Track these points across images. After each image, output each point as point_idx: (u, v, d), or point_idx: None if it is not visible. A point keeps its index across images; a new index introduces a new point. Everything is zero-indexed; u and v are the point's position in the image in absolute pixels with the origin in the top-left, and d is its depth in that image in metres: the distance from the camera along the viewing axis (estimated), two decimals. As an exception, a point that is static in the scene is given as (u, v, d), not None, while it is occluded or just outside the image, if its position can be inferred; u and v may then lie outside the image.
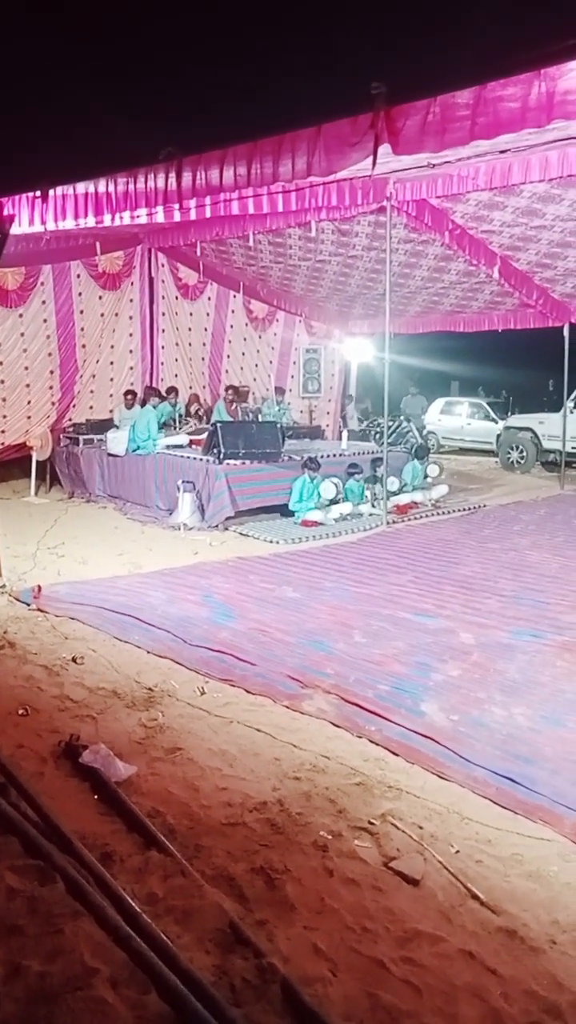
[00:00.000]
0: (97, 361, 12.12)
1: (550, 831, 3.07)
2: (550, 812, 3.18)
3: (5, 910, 2.43)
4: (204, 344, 13.59)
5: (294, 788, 3.33)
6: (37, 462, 10.98)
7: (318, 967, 2.31)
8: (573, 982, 2.31)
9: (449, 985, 2.27)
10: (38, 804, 3.02)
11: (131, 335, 12.58)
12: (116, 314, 12.26)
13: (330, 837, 2.97)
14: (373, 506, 9.92)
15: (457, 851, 2.93)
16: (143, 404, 10.93)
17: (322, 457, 9.90)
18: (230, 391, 12.06)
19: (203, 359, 13.63)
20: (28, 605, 5.81)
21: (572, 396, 13.87)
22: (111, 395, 12.25)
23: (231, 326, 13.85)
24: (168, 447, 10.17)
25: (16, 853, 2.74)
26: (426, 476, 11.11)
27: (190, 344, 13.35)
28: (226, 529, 9.01)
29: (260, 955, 2.28)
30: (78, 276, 11.59)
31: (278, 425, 10.43)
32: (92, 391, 12.15)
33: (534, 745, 3.72)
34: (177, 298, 13.01)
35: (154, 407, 10.67)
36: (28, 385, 11.27)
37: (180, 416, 11.48)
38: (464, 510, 10.59)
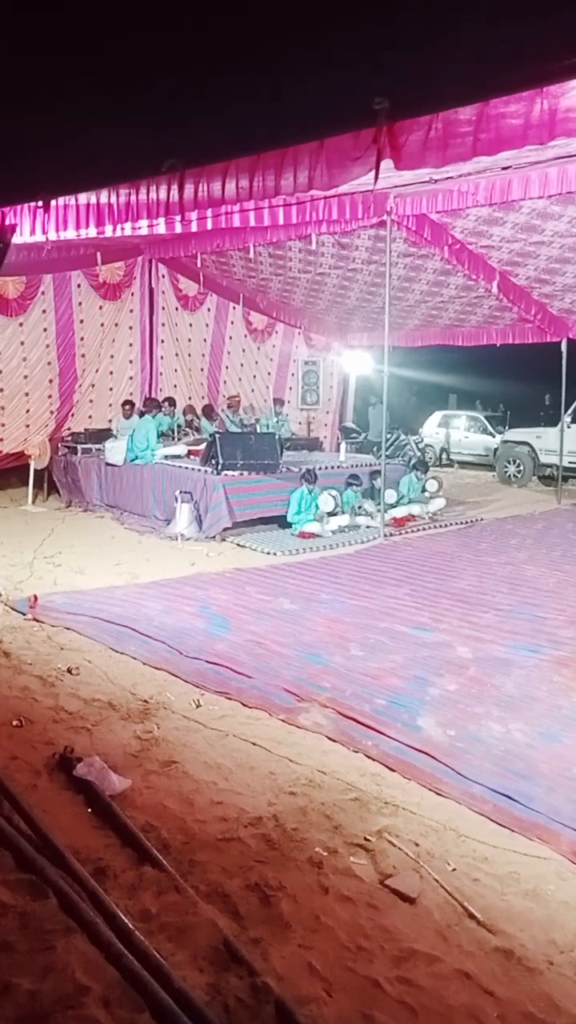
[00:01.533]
0: (96, 371, 12.15)
1: (547, 849, 3.05)
2: (547, 830, 3.15)
3: (-4, 925, 2.41)
4: (203, 355, 13.62)
5: (290, 803, 3.30)
6: (35, 471, 10.98)
7: (313, 986, 2.28)
8: (570, 1004, 2.28)
9: (445, 1006, 2.24)
10: (31, 817, 2.99)
11: (131, 345, 12.60)
12: (116, 324, 12.29)
13: (325, 854, 2.94)
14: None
15: (453, 869, 2.91)
16: (141, 414, 10.95)
17: (320, 469, 9.91)
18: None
19: (202, 370, 13.65)
20: (24, 615, 5.79)
21: (569, 411, 13.93)
22: (110, 405, 12.26)
23: (230, 337, 13.89)
24: (166, 457, 10.17)
25: (8, 867, 2.72)
26: (424, 490, 11.12)
27: (189, 355, 13.38)
28: (223, 540, 8.99)
29: (254, 974, 2.25)
30: (79, 286, 11.63)
31: (276, 437, 10.44)
32: (91, 400, 12.17)
33: (531, 761, 3.70)
34: (177, 309, 13.05)
35: (153, 417, 10.68)
36: (27, 394, 11.29)
37: (179, 427, 11.50)
38: (461, 523, 10.58)
